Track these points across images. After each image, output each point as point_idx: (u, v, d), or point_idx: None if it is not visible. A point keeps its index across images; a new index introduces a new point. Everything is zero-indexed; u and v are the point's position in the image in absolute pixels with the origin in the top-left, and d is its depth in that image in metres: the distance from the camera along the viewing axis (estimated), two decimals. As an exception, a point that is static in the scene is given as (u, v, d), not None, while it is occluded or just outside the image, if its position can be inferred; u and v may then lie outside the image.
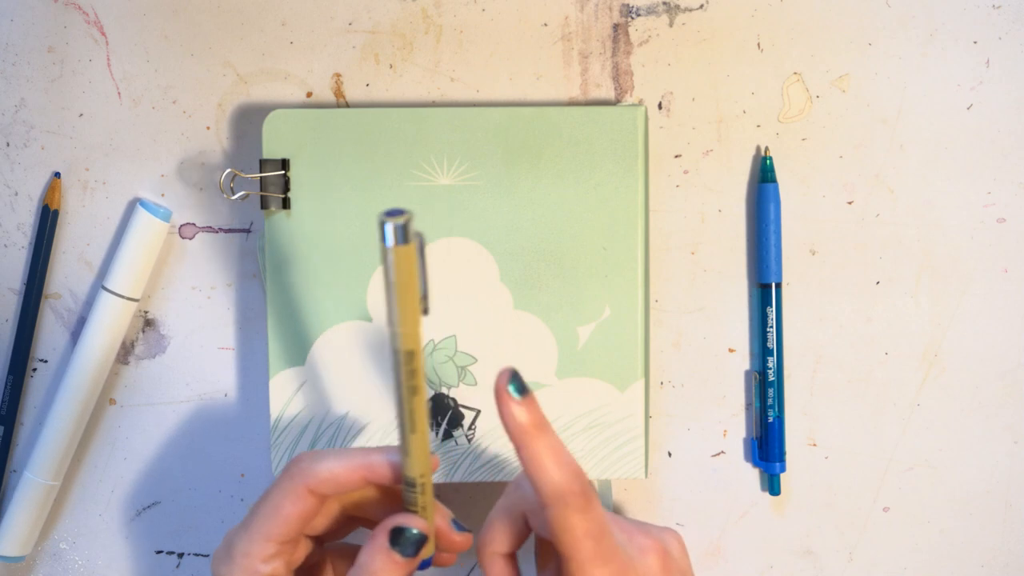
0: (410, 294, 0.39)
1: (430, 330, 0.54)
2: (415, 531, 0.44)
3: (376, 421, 0.54)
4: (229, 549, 0.45)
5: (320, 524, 0.46)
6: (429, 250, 0.54)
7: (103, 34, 0.56)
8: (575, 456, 0.54)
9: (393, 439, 0.54)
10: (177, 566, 0.58)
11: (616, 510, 0.57)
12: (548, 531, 0.43)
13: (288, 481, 0.44)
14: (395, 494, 0.46)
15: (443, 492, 0.57)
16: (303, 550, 0.46)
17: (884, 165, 0.56)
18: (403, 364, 0.41)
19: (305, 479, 0.44)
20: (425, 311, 0.41)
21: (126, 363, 0.57)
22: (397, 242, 0.38)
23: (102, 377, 0.56)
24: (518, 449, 0.42)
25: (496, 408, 0.42)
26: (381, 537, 0.43)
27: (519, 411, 0.42)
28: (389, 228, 0.38)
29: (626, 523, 0.46)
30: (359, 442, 0.54)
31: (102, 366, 0.55)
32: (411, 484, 0.43)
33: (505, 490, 0.46)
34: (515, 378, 0.42)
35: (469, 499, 0.57)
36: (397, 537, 0.43)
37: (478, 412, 0.54)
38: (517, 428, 0.42)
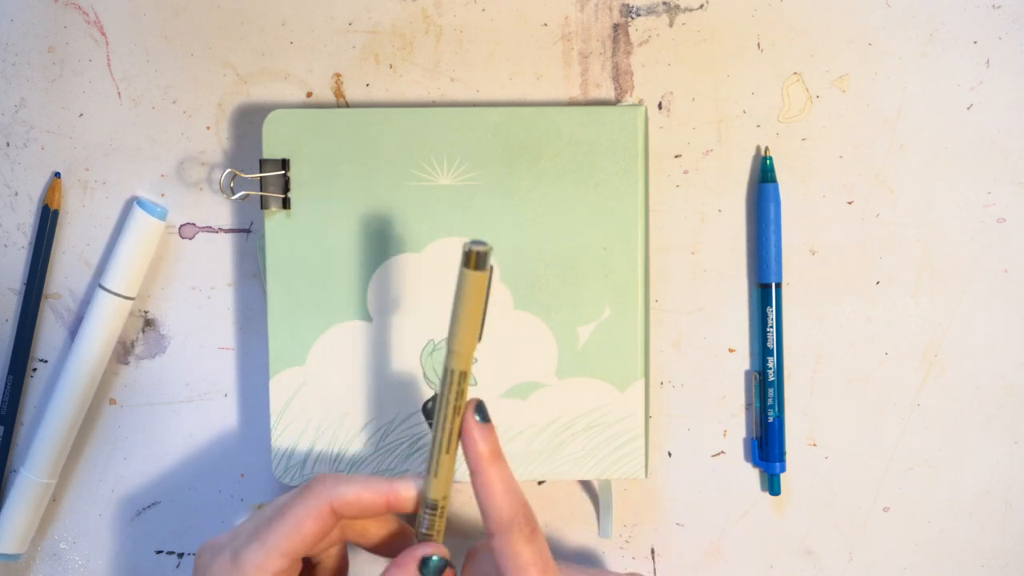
0: (474, 318, 0.42)
1: (430, 330, 0.54)
2: (439, 559, 0.44)
3: (376, 421, 0.54)
4: (237, 560, 0.44)
5: (322, 544, 0.47)
6: (429, 250, 0.54)
7: (103, 34, 0.56)
8: (575, 455, 0.54)
9: (393, 439, 0.54)
10: (177, 566, 0.58)
11: (616, 510, 0.57)
12: (496, 560, 0.44)
13: (313, 499, 0.44)
14: (396, 521, 0.48)
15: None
16: (298, 567, 0.46)
17: (884, 165, 0.56)
18: (454, 383, 0.43)
19: (331, 498, 0.44)
20: (480, 337, 0.43)
21: (126, 363, 0.57)
22: (475, 267, 0.41)
23: (98, 376, 0.56)
24: (473, 475, 0.44)
25: (460, 436, 0.44)
26: (411, 566, 0.44)
27: (479, 437, 0.44)
28: (471, 253, 0.41)
29: (587, 571, 0.47)
30: (359, 442, 0.54)
31: (99, 365, 0.55)
32: (432, 507, 0.45)
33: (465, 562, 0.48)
34: (480, 408, 0.44)
35: (469, 499, 0.57)
36: (425, 565, 0.44)
37: (478, 412, 0.54)
38: (475, 455, 0.44)
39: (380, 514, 0.45)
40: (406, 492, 0.45)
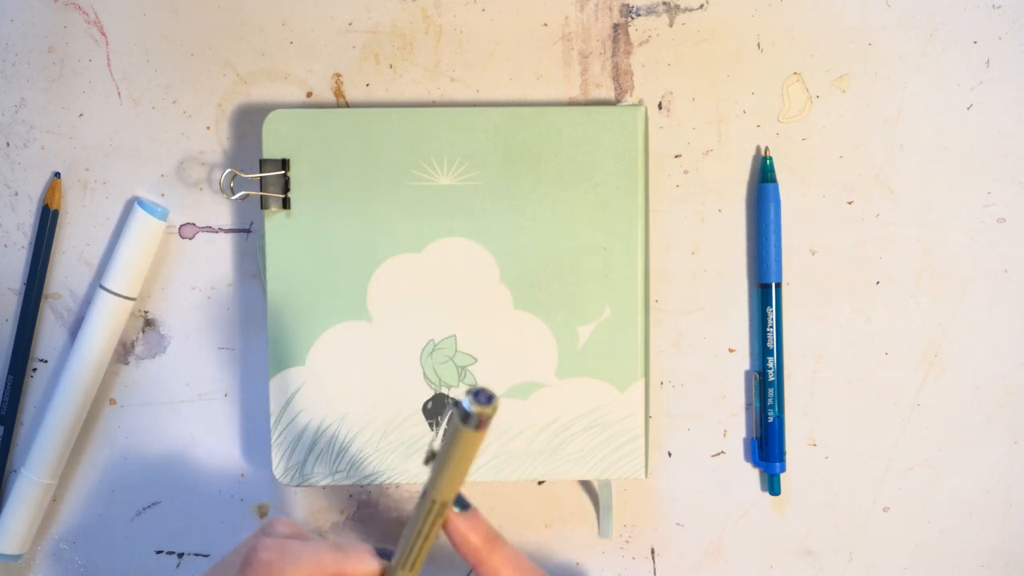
0: (463, 470, 0.40)
1: (430, 330, 0.54)
2: None
3: (376, 421, 0.54)
4: None
5: None
6: (429, 250, 0.54)
7: (103, 34, 0.56)
8: (576, 455, 0.54)
9: (393, 439, 0.54)
10: (177, 566, 0.58)
11: (616, 510, 0.57)
12: None
13: None
14: None
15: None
16: None
17: (884, 165, 0.56)
18: (432, 513, 0.41)
19: None
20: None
21: (126, 363, 0.57)
22: (477, 428, 0.38)
23: (99, 376, 0.56)
24: (476, 568, 0.43)
25: (444, 533, 0.43)
26: None
27: (468, 529, 0.43)
28: (473, 415, 0.38)
29: None
30: (359, 442, 0.54)
31: (99, 365, 0.55)
32: None
33: None
34: (458, 501, 0.43)
35: (469, 499, 0.57)
36: None
37: (478, 412, 0.54)
38: (471, 550, 0.43)
39: None
40: (361, 570, 0.43)
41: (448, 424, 0.39)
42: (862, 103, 0.56)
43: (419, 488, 0.57)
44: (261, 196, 0.53)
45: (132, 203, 0.56)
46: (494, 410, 0.38)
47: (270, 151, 0.53)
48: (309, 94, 0.56)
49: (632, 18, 0.56)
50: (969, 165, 0.56)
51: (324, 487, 0.57)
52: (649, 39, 0.56)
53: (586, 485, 0.57)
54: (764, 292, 0.56)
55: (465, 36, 0.56)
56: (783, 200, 0.56)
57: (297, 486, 0.55)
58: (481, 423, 0.38)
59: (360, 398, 0.54)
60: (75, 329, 0.57)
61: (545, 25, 0.56)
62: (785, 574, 0.57)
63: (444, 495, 0.41)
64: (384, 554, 0.44)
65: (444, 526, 0.43)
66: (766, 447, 0.56)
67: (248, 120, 0.56)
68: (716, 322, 0.57)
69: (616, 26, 0.56)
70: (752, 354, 0.57)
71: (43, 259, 0.56)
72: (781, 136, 0.56)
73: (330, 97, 0.56)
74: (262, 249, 0.55)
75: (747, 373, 0.57)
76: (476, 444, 0.39)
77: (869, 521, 0.57)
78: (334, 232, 0.54)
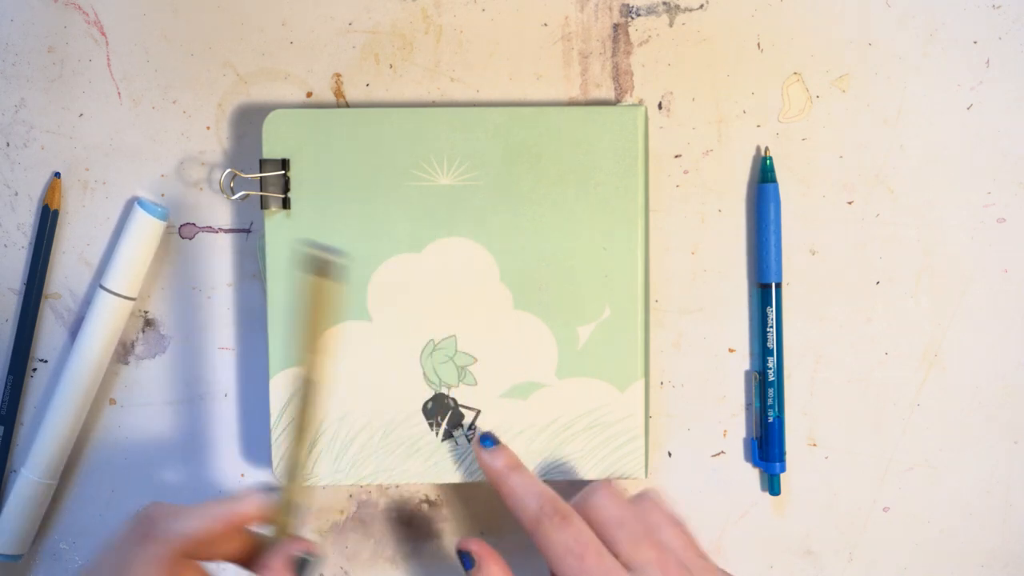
0: (325, 325, 0.42)
1: (430, 330, 0.54)
2: (312, 556, 0.45)
3: (376, 421, 0.54)
4: None
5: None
6: (429, 250, 0.54)
7: (103, 34, 0.56)
8: (575, 455, 0.54)
9: (393, 439, 0.54)
10: (177, 566, 0.58)
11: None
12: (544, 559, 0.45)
13: (155, 552, 0.43)
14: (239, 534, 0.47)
15: (444, 492, 0.57)
16: None
17: (884, 165, 0.56)
18: (307, 390, 0.43)
19: (174, 547, 0.43)
20: (326, 348, 0.43)
21: (126, 363, 0.57)
22: (325, 276, 0.41)
23: (99, 376, 0.56)
24: (497, 491, 0.48)
25: (478, 462, 0.49)
26: (282, 567, 0.44)
27: (493, 457, 0.49)
28: (326, 263, 0.40)
29: (670, 566, 0.45)
30: (359, 442, 0.54)
31: (99, 365, 0.55)
32: (291, 509, 0.45)
33: None
34: (485, 436, 0.50)
35: (469, 499, 0.57)
36: (301, 566, 0.45)
37: (478, 412, 0.54)
38: (494, 472, 0.48)
39: (225, 535, 0.45)
40: (255, 510, 0.45)
41: (301, 286, 0.42)
42: (862, 103, 0.56)
43: (419, 488, 0.57)
44: (261, 196, 0.53)
45: (132, 203, 0.56)
46: (340, 260, 0.41)
47: (270, 151, 0.53)
48: (309, 94, 0.56)
49: (632, 18, 0.56)
50: (969, 165, 0.56)
51: (324, 487, 0.57)
52: (649, 39, 0.56)
53: (586, 485, 0.57)
54: (764, 292, 0.56)
55: (465, 36, 0.56)
56: (783, 200, 0.56)
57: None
58: (328, 270, 0.41)
59: (360, 398, 0.54)
60: (75, 329, 0.57)
61: (545, 25, 0.56)
62: (785, 574, 0.57)
63: (313, 369, 0.43)
64: (265, 488, 0.46)
65: (478, 461, 0.49)
66: (766, 447, 0.56)
67: (248, 120, 0.56)
68: (716, 322, 0.57)
69: (616, 26, 0.56)
70: (752, 354, 0.57)
71: (43, 259, 0.56)
72: (781, 136, 0.56)
73: (330, 97, 0.56)
74: (262, 249, 0.55)
75: (747, 373, 0.57)
76: (332, 296, 0.41)
77: (869, 521, 0.57)
78: (334, 232, 0.54)
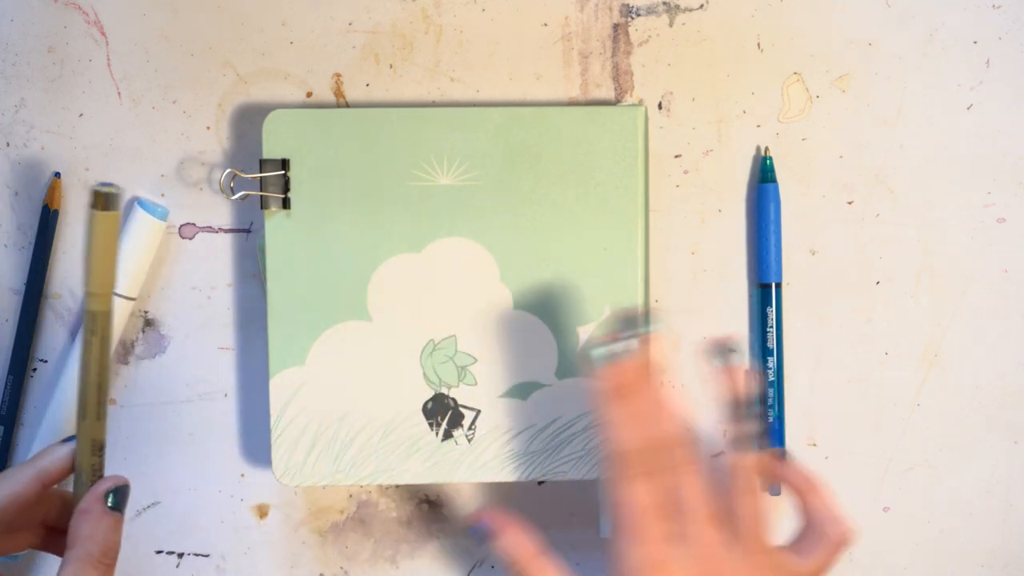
0: (108, 258, 0.44)
1: (430, 330, 0.54)
2: (124, 486, 0.46)
3: (376, 421, 0.54)
4: None
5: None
6: (429, 250, 0.54)
7: (103, 34, 0.56)
8: (575, 455, 0.54)
9: (393, 439, 0.54)
10: (177, 566, 0.58)
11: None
12: None
13: None
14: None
15: (444, 492, 0.57)
16: None
17: (884, 165, 0.56)
18: (96, 324, 0.45)
19: None
20: (114, 279, 0.45)
21: (126, 363, 0.57)
22: (104, 208, 0.44)
23: (102, 377, 0.56)
24: None
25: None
26: (99, 505, 0.45)
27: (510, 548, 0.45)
28: (99, 195, 0.43)
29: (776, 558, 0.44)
30: (359, 442, 0.54)
31: (102, 366, 0.55)
32: (101, 448, 0.46)
33: None
34: (475, 529, 0.45)
35: (470, 499, 0.57)
36: (115, 496, 0.45)
37: (478, 412, 0.54)
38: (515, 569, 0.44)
39: (39, 495, 0.45)
40: (60, 462, 0.45)
41: (88, 226, 0.44)
42: (862, 103, 0.56)
43: (419, 488, 0.57)
44: (261, 196, 0.53)
45: (132, 203, 0.56)
46: (116, 190, 0.44)
47: (270, 151, 0.53)
48: (309, 94, 0.56)
49: (632, 18, 0.56)
50: (969, 165, 0.56)
51: (324, 487, 0.57)
52: (649, 39, 0.56)
53: (586, 485, 0.57)
54: (764, 292, 0.56)
55: (465, 36, 0.56)
56: (783, 200, 0.56)
57: (297, 486, 0.55)
58: (109, 202, 0.44)
59: (360, 398, 0.54)
60: (75, 329, 0.57)
61: (545, 25, 0.56)
62: (785, 574, 0.57)
63: (100, 301, 0.45)
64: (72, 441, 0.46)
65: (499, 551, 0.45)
66: (766, 447, 0.56)
67: (248, 120, 0.56)
68: (716, 322, 0.57)
69: (616, 26, 0.56)
70: (752, 354, 0.57)
71: (43, 259, 0.56)
72: (781, 136, 0.56)
73: (330, 97, 0.56)
74: (262, 249, 0.55)
75: (747, 373, 0.57)
76: (112, 228, 0.44)
77: (869, 521, 0.57)
78: (334, 232, 0.54)
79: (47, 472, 0.45)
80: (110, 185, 0.44)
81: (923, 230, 0.56)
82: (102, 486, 0.45)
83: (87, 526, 0.44)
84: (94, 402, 0.45)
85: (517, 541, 0.45)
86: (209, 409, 0.57)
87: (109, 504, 0.45)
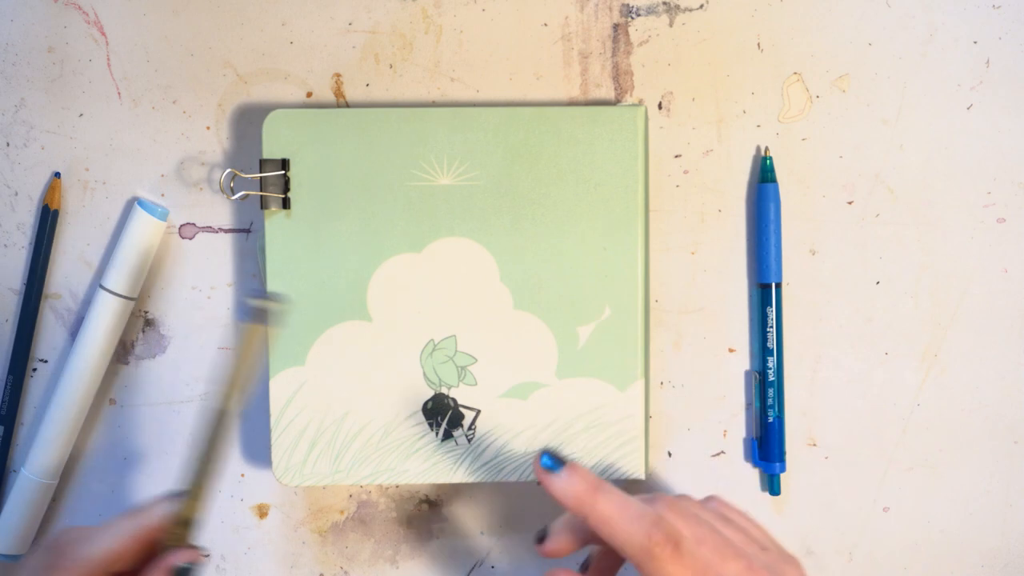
0: (251, 368, 0.45)
1: (430, 330, 0.54)
2: (191, 565, 0.45)
3: (376, 421, 0.54)
4: None
5: None
6: (429, 250, 0.54)
7: (103, 34, 0.56)
8: (575, 455, 0.54)
9: (393, 439, 0.54)
10: (177, 566, 0.58)
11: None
12: None
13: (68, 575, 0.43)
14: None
15: (444, 492, 0.57)
16: None
17: (884, 165, 0.56)
18: (220, 420, 0.45)
19: (88, 568, 0.43)
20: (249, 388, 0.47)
21: (126, 363, 0.57)
22: (258, 321, 0.44)
23: (99, 376, 0.56)
24: (585, 520, 0.41)
25: (547, 492, 0.42)
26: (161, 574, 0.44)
27: (568, 483, 0.42)
28: (255, 309, 0.44)
29: (749, 549, 0.42)
30: (359, 442, 0.54)
31: (100, 365, 0.55)
32: (187, 523, 0.45)
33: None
34: (547, 454, 0.42)
35: (470, 499, 0.57)
36: (183, 573, 0.44)
37: (478, 412, 0.54)
38: (574, 500, 0.41)
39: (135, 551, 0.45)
40: (160, 521, 0.45)
41: (238, 331, 0.45)
42: (862, 103, 0.56)
43: (419, 488, 0.57)
44: (261, 196, 0.53)
45: (132, 203, 0.56)
46: (273, 305, 0.45)
47: (270, 151, 0.53)
48: (309, 94, 0.56)
49: (632, 18, 0.56)
50: (969, 165, 0.56)
51: (324, 487, 0.57)
52: (649, 39, 0.56)
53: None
54: (764, 292, 0.56)
55: (465, 36, 0.56)
56: (783, 200, 0.56)
57: (297, 486, 0.55)
58: (265, 317, 0.44)
59: (360, 398, 0.54)
60: (75, 329, 0.57)
61: (545, 25, 0.56)
62: (785, 574, 0.57)
63: (235, 404, 0.45)
64: (174, 494, 0.46)
65: (546, 488, 0.42)
66: (766, 447, 0.56)
67: (248, 120, 0.56)
68: (716, 322, 0.57)
69: (616, 26, 0.56)
70: (752, 354, 0.57)
71: (43, 259, 0.56)
72: (781, 136, 0.56)
73: (330, 97, 0.56)
74: (262, 249, 0.55)
75: (747, 373, 0.57)
76: (260, 341, 0.45)
77: (869, 521, 0.57)
78: (334, 232, 0.54)
79: (147, 531, 0.44)
80: (264, 296, 0.44)
81: (923, 230, 0.56)
82: (174, 559, 0.44)
83: None
84: (202, 485, 0.45)
85: (579, 476, 0.42)
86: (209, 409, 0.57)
87: None
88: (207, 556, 0.45)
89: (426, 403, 0.54)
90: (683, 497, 0.46)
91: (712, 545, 0.41)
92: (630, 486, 0.57)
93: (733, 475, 0.57)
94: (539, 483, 0.43)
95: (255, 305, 0.44)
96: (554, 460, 0.42)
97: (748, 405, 0.57)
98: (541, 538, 0.45)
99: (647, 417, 0.54)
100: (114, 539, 0.44)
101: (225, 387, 0.45)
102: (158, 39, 0.56)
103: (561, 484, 0.42)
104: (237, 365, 0.44)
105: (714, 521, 0.44)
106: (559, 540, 0.45)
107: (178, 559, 0.44)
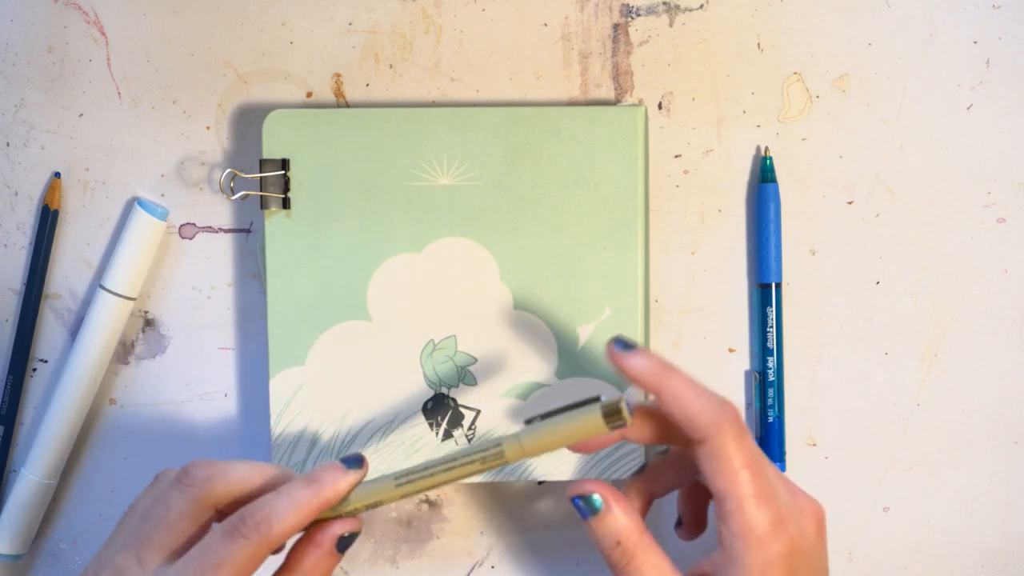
0: (555, 445, 0.43)
1: (430, 330, 0.54)
2: (353, 535, 0.44)
3: (376, 421, 0.54)
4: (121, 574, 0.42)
5: None
6: (429, 250, 0.54)
7: (103, 34, 0.56)
8: (575, 455, 0.54)
9: (393, 439, 0.54)
10: (177, 566, 0.58)
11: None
12: (702, 471, 0.42)
13: (252, 547, 0.42)
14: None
15: (444, 492, 0.57)
16: None
17: (884, 165, 0.56)
18: (490, 455, 0.43)
19: (269, 542, 0.42)
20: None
21: (126, 363, 0.57)
22: (611, 421, 0.42)
23: (99, 376, 0.56)
24: (657, 395, 0.42)
25: (619, 373, 0.43)
26: (328, 545, 0.43)
27: (639, 361, 0.42)
28: (609, 408, 0.42)
29: (786, 479, 0.44)
30: (359, 442, 0.54)
31: (100, 365, 0.55)
32: (374, 506, 0.44)
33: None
34: (619, 340, 0.43)
35: (470, 499, 0.57)
36: (345, 541, 0.44)
37: (478, 412, 0.54)
38: (647, 376, 0.42)
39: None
40: (339, 494, 0.43)
41: (581, 409, 0.42)
42: (862, 103, 0.56)
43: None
44: (261, 196, 0.53)
45: (132, 203, 0.56)
46: (625, 421, 0.41)
47: (270, 151, 0.53)
48: (309, 94, 0.56)
49: (632, 18, 0.56)
50: (969, 165, 0.56)
51: (324, 487, 0.57)
52: (649, 39, 0.56)
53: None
54: (764, 292, 0.56)
55: (465, 36, 0.56)
56: (783, 200, 0.56)
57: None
58: (616, 416, 0.41)
59: (360, 398, 0.54)
60: (75, 329, 0.57)
61: (545, 25, 0.56)
62: (785, 574, 0.57)
63: (517, 454, 0.42)
64: (350, 462, 0.44)
65: (619, 368, 0.43)
66: (766, 447, 0.56)
67: (248, 120, 0.56)
68: (716, 322, 0.57)
69: (616, 26, 0.56)
70: (752, 354, 0.57)
71: (43, 259, 0.56)
72: (781, 136, 0.56)
73: (330, 97, 0.56)
74: (262, 249, 0.55)
75: (747, 373, 0.57)
76: (590, 432, 0.42)
77: (869, 521, 0.57)
78: (334, 232, 0.54)
79: (328, 504, 0.43)
80: (617, 406, 0.41)
81: (923, 230, 0.56)
82: (340, 527, 0.44)
83: (311, 559, 0.43)
84: (416, 486, 0.44)
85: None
86: (209, 409, 0.57)
87: (339, 548, 0.44)
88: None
89: (426, 403, 0.54)
90: None
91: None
92: (630, 486, 0.57)
93: (733, 475, 0.57)
94: (614, 365, 0.43)
95: (612, 404, 0.41)
96: (625, 344, 0.43)
97: (748, 405, 0.57)
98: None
99: (647, 417, 0.54)
100: (300, 515, 0.42)
101: (527, 439, 0.43)
102: (158, 39, 0.56)
103: (634, 362, 0.42)
104: (553, 435, 0.42)
105: None
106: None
107: (342, 528, 0.44)
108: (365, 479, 0.44)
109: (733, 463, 0.41)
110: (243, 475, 0.44)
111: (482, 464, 0.43)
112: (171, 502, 0.43)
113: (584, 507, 0.43)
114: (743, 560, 0.41)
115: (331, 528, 0.44)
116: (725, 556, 0.42)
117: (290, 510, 0.42)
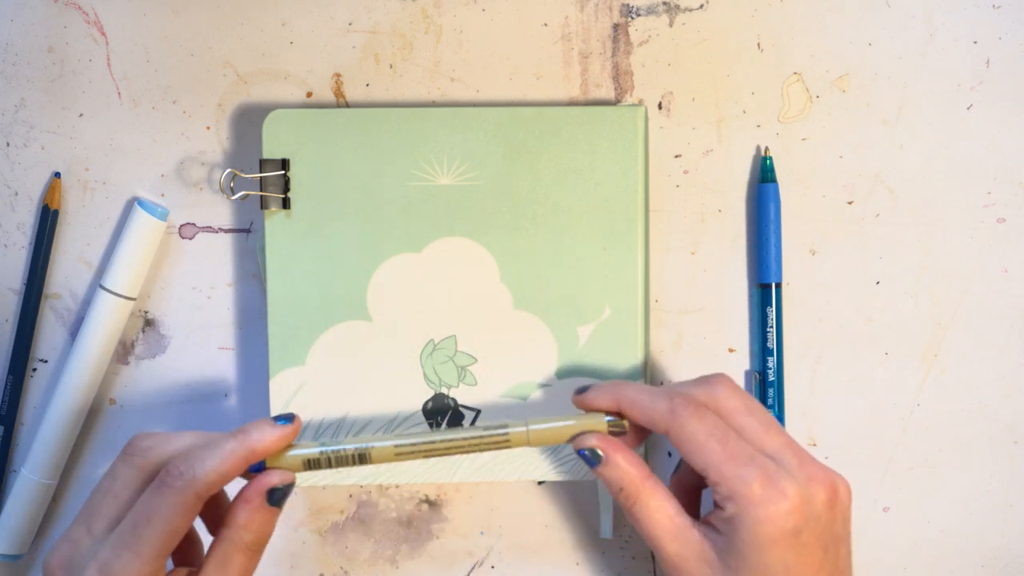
0: (556, 440, 0.49)
1: (430, 330, 0.54)
2: (287, 487, 0.46)
3: (376, 421, 0.54)
4: (110, 574, 0.43)
5: None
6: (429, 250, 0.54)
7: (103, 34, 0.56)
8: (575, 454, 0.54)
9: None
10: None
11: (616, 510, 0.57)
12: (684, 459, 0.47)
13: (178, 495, 0.43)
14: None
15: (444, 492, 0.57)
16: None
17: (884, 165, 0.56)
18: (495, 444, 0.48)
19: (196, 489, 0.43)
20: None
21: (126, 363, 0.57)
22: (593, 464, 0.48)
23: (99, 376, 0.56)
24: (619, 410, 0.47)
25: (586, 411, 0.49)
26: (258, 500, 0.45)
27: (593, 393, 0.48)
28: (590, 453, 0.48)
29: (800, 450, 0.46)
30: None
31: (100, 365, 0.55)
32: (321, 464, 0.46)
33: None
34: (577, 390, 0.49)
35: (469, 499, 0.57)
36: (272, 495, 0.45)
37: (478, 412, 0.54)
38: (605, 399, 0.47)
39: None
40: (270, 445, 0.45)
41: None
42: (862, 103, 0.56)
43: (419, 488, 0.57)
44: (261, 196, 0.53)
45: (132, 203, 0.56)
46: (624, 429, 0.48)
47: (270, 151, 0.53)
48: (309, 94, 0.56)
49: (632, 18, 0.56)
50: (969, 165, 0.56)
51: (324, 487, 0.57)
52: (649, 39, 0.56)
53: (586, 485, 0.57)
54: (764, 292, 0.56)
55: (465, 36, 0.56)
56: (783, 200, 0.56)
57: (297, 486, 0.55)
58: (616, 423, 0.48)
59: (360, 398, 0.54)
60: (75, 329, 0.57)
61: (545, 25, 0.56)
62: (785, 574, 0.57)
63: (521, 440, 0.47)
64: (281, 419, 0.46)
65: (580, 405, 0.49)
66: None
67: (248, 120, 0.56)
68: (716, 322, 0.57)
69: (616, 26, 0.56)
70: (752, 354, 0.57)
71: (43, 259, 0.56)
72: (781, 136, 0.56)
73: (330, 97, 0.56)
74: (262, 249, 0.55)
75: (747, 373, 0.57)
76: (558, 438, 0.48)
77: (869, 521, 0.57)
78: (334, 232, 0.54)
79: (254, 454, 0.45)
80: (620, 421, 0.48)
81: (923, 230, 0.56)
82: (268, 480, 0.45)
83: (244, 514, 0.45)
84: (432, 447, 0.47)
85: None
86: (209, 409, 0.57)
87: (269, 501, 0.45)
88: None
89: (426, 403, 0.54)
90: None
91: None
92: (630, 486, 0.57)
93: (733, 475, 0.57)
94: (578, 407, 0.49)
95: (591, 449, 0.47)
96: (581, 388, 0.49)
97: (748, 405, 0.57)
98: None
99: (647, 417, 0.54)
100: (224, 463, 0.44)
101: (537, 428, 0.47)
102: (158, 39, 0.56)
103: (591, 395, 0.48)
104: (552, 434, 0.48)
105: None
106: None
107: (274, 480, 0.45)
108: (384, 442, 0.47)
109: (698, 437, 0.45)
110: (186, 442, 0.45)
111: (485, 442, 0.47)
112: (116, 473, 0.45)
113: (590, 456, 0.47)
114: (736, 517, 0.44)
115: (261, 480, 0.45)
116: (723, 516, 0.45)
117: (215, 459, 0.44)
